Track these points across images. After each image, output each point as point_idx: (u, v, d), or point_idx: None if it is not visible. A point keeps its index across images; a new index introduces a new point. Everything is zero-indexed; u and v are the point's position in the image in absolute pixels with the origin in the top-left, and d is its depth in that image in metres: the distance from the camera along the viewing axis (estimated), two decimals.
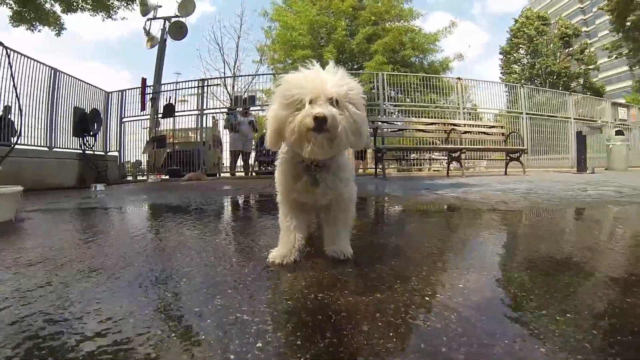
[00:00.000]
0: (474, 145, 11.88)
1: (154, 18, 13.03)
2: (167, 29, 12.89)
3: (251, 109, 13.87)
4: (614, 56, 34.89)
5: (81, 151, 9.93)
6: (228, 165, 13.79)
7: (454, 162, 10.85)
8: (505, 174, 10.94)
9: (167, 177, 12.21)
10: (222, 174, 13.49)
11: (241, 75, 25.13)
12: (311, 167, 1.64)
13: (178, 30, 12.86)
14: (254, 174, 13.11)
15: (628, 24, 29.47)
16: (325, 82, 1.48)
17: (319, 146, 1.46)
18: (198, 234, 2.63)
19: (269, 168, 13.28)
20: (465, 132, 11.21)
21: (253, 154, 13.73)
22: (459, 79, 15.04)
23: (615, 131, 14.82)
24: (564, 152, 16.17)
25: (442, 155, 13.16)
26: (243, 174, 13.31)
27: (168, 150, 12.70)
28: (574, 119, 16.59)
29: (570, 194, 4.90)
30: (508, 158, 11.30)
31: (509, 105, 16.66)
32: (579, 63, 42.18)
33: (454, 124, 11.26)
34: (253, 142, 13.51)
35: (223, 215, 3.91)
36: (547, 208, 3.86)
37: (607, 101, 19.86)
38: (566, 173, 11.61)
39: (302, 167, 1.65)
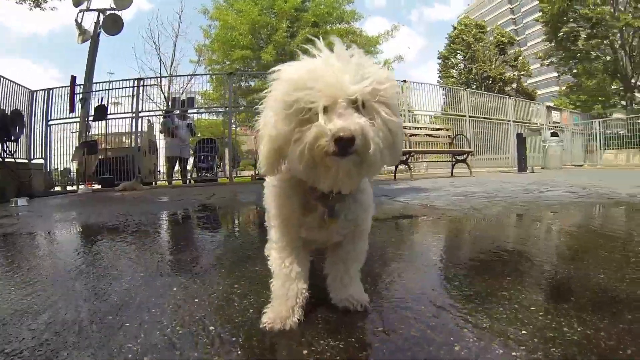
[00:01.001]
0: (419, 148, 11.92)
1: (87, 10, 11.96)
2: (101, 23, 11.86)
3: (189, 111, 13.05)
4: (547, 64, 36.75)
5: (0, 159, 8.73)
6: (165, 172, 12.94)
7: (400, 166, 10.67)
8: (452, 175, 11.00)
9: (100, 186, 11.07)
10: (158, 183, 12.59)
11: (178, 76, 23.79)
12: (328, 195, 1.18)
13: (113, 25, 11.91)
14: (192, 181, 12.32)
15: (561, 34, 31.42)
16: (344, 76, 1.01)
17: (345, 176, 1.04)
18: (144, 276, 1.92)
19: (208, 175, 12.61)
20: (412, 135, 11.08)
21: (191, 160, 12.92)
22: (404, 81, 14.99)
23: (551, 133, 15.68)
24: (504, 152, 16.79)
25: None
26: (181, 182, 12.44)
27: (100, 157, 11.46)
28: (513, 121, 17.28)
29: (530, 196, 5.10)
30: (454, 160, 11.34)
31: (445, 108, 17.02)
32: (513, 69, 44.72)
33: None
34: (191, 148, 12.74)
35: (171, 238, 3.28)
36: (523, 213, 3.85)
37: (542, 105, 21.06)
38: (508, 173, 12.23)
39: (316, 196, 1.21)
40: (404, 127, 10.87)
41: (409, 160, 10.22)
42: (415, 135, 11.41)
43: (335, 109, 0.99)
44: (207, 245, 2.78)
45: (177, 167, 12.57)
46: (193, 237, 3.20)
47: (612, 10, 29.10)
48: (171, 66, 26.76)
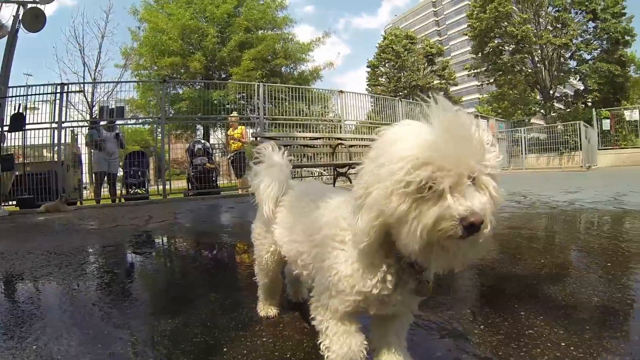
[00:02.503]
0: (358, 158, 11.91)
1: (6, 1, 10.72)
2: (20, 17, 10.68)
3: (117, 122, 12.07)
4: (472, 74, 39.72)
5: None
6: (90, 188, 11.94)
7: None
8: None
9: (18, 207, 9.73)
10: (84, 201, 11.25)
11: (105, 82, 21.90)
12: (415, 266, 1.09)
13: (34, 20, 10.70)
14: (122, 199, 11.33)
15: (487, 48, 34.12)
16: (465, 150, 0.91)
17: (462, 256, 0.98)
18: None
19: (139, 191, 11.72)
20: (352, 146, 11.05)
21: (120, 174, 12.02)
22: (340, 91, 14.99)
23: None
24: None
25: (324, 170, 13.06)
26: (110, 200, 11.27)
27: (17, 173, 10.19)
28: None
29: None
30: None
31: (373, 117, 17.28)
32: (440, 78, 47.21)
33: (341, 138, 11.03)
34: (119, 161, 11.75)
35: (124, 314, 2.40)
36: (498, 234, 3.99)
37: (472, 114, 22.18)
38: None
39: (404, 266, 1.10)
40: (343, 139, 10.87)
41: (348, 172, 10.16)
42: (354, 146, 11.40)
43: (458, 188, 0.90)
44: (179, 313, 2.05)
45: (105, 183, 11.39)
46: (147, 297, 2.50)
47: (534, 29, 31.89)
48: (95, 70, 24.31)
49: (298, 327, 1.69)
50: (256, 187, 1.68)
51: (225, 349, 1.52)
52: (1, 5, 10.74)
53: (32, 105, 10.97)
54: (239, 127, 11.97)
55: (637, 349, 1.40)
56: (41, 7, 10.85)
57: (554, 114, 32.77)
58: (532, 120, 34.33)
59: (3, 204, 9.75)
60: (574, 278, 2.26)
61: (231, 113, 12.52)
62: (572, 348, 1.40)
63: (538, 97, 34.60)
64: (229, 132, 12.02)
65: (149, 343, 1.62)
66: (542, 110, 34.15)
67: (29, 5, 10.72)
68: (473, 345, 1.49)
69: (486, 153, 0.94)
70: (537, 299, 1.94)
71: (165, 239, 4.76)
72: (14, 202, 9.97)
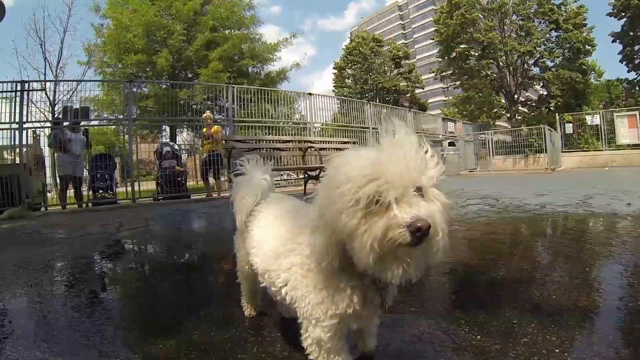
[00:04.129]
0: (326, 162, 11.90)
1: None
2: None
3: (82, 123, 11.63)
4: (439, 78, 40.92)
5: None
6: (54, 192, 11.46)
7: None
8: None
9: None
10: (48, 206, 10.70)
11: (69, 80, 19.68)
12: (378, 283, 1.18)
13: None
14: (89, 204, 10.82)
15: (454, 53, 35.62)
16: (409, 165, 1.01)
17: (416, 264, 1.05)
18: None
19: (107, 195, 11.32)
20: (322, 149, 11.00)
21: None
22: (310, 94, 14.99)
23: (448, 142, 16.89)
24: None
25: (297, 174, 13.02)
26: (76, 205, 10.78)
27: None
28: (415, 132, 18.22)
29: (455, 213, 5.41)
30: None
31: (339, 119, 17.41)
32: (407, 81, 47.51)
33: (311, 142, 10.98)
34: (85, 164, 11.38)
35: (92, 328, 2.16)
36: (465, 235, 4.10)
37: (440, 117, 22.65)
38: None
39: (368, 284, 1.18)
40: (312, 142, 10.83)
41: (319, 177, 10.11)
42: (325, 149, 11.36)
43: (404, 199, 0.98)
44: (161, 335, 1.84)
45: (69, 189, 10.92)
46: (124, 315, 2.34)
47: (500, 36, 33.40)
48: (57, 66, 23.00)
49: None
50: (233, 198, 1.78)
51: None
52: None
53: None
54: (214, 126, 11.77)
55: (626, 353, 1.47)
56: None
57: (519, 117, 34.05)
58: (497, 123, 35.35)
59: None
60: (558, 283, 2.31)
61: (203, 114, 12.25)
62: (566, 354, 1.46)
63: (503, 101, 35.64)
64: (204, 131, 11.75)
65: None
66: (507, 114, 35.23)
67: None
68: (472, 357, 1.51)
69: (430, 166, 1.05)
70: (525, 305, 1.99)
71: (141, 248, 4.60)
72: None
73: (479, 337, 1.65)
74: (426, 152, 1.06)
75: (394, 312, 1.85)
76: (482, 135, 23.69)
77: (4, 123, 10.23)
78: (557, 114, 25.78)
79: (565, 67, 32.28)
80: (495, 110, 35.99)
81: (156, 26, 21.43)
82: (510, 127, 29.52)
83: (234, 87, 13.05)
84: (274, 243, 1.40)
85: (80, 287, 2.85)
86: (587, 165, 21.03)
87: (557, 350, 1.49)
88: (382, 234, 0.97)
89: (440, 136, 19.79)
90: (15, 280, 3.13)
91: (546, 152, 20.17)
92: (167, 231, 5.82)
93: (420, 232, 0.95)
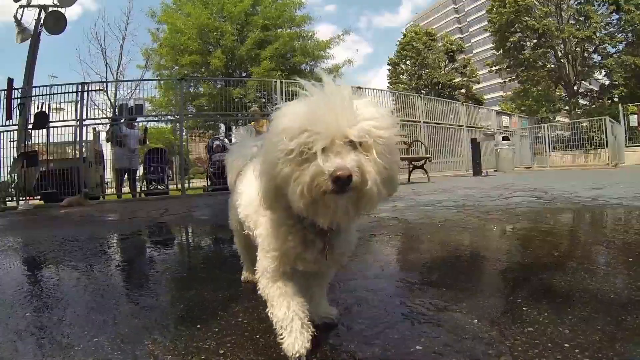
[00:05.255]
0: None
1: (28, 5, 11.01)
2: (42, 20, 10.99)
3: (138, 119, 12.33)
4: (494, 71, 38.48)
5: None
6: (112, 184, 12.14)
7: None
8: (409, 181, 11.00)
9: (42, 202, 10.13)
10: (106, 196, 11.67)
11: (125, 81, 22.23)
12: (326, 231, 1.22)
13: (56, 23, 11.05)
14: (142, 194, 11.54)
15: (508, 44, 33.17)
16: (343, 116, 1.05)
17: (343, 213, 1.08)
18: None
19: (159, 187, 11.92)
20: None
21: (140, 171, 12.22)
22: (358, 87, 14.98)
23: (502, 137, 16.20)
24: (458, 156, 17.25)
25: None
26: (130, 195, 11.56)
27: (42, 169, 10.46)
28: (466, 126, 17.72)
29: (499, 204, 5.09)
30: (411, 166, 11.37)
31: (395, 114, 17.20)
32: (462, 76, 46.42)
33: None
34: (140, 158, 12.05)
35: (125, 279, 2.55)
36: (500, 225, 3.73)
37: (492, 110, 21.77)
38: (464, 177, 12.49)
39: (315, 231, 1.23)
40: None
41: None
42: None
43: (333, 148, 1.02)
44: (170, 290, 2.23)
45: (125, 179, 11.75)
46: (150, 275, 2.57)
47: (556, 22, 31.02)
48: (118, 70, 24.83)
49: None
50: (226, 160, 1.99)
51: None
52: (23, 9, 11.01)
53: (57, 106, 11.21)
54: (262, 120, 11.99)
55: None
56: (62, 10, 11.16)
57: (579, 111, 31.77)
58: (558, 118, 33.58)
59: (28, 198, 10.20)
60: (590, 273, 2.01)
61: (251, 108, 12.55)
62: (577, 350, 1.23)
63: (562, 93, 33.82)
64: (252, 125, 12.02)
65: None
66: (566, 107, 33.38)
67: (50, 9, 11.02)
68: (459, 341, 1.34)
69: (376, 127, 1.05)
70: (543, 293, 1.75)
71: (180, 228, 4.94)
72: (39, 197, 10.36)
73: (475, 321, 1.48)
74: (367, 107, 1.09)
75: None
76: (539, 130, 22.58)
77: (68, 121, 11.10)
78: (620, 104, 24.06)
79: (629, 53, 29.54)
80: (555, 103, 34.17)
81: (209, 28, 21.99)
82: (569, 120, 27.76)
83: (282, 82, 13.28)
84: (251, 191, 1.47)
85: (112, 256, 3.27)
86: None
87: (566, 345, 1.26)
88: (310, 181, 1.02)
89: (492, 129, 19.10)
90: (58, 249, 3.54)
91: (607, 147, 19.01)
92: (208, 216, 6.04)
93: (340, 181, 0.99)
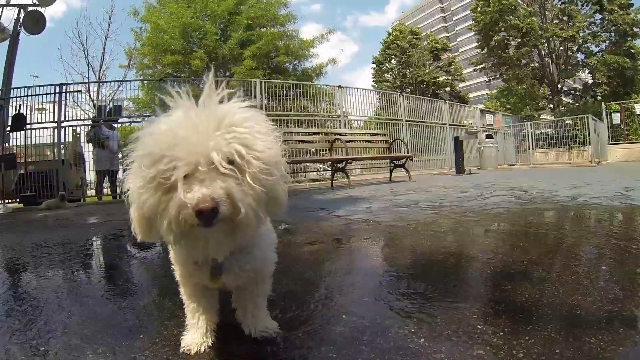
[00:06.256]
0: (356, 153, 11.92)
1: (6, 5, 11.05)
2: (21, 20, 11.00)
3: (120, 120, 12.32)
4: (479, 69, 38.86)
5: None
6: (93, 186, 12.05)
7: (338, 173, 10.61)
8: (390, 180, 11.03)
9: (21, 204, 10.06)
10: (87, 198, 11.62)
11: (107, 81, 22.20)
12: None
13: (35, 23, 11.13)
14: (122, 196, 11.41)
15: (492, 42, 33.56)
16: (209, 137, 0.94)
17: (216, 246, 1.02)
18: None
19: None
20: (350, 141, 11.00)
21: (121, 172, 12.04)
22: (339, 86, 14.99)
23: (485, 135, 16.33)
24: (440, 154, 17.53)
25: (323, 164, 13.12)
26: (111, 197, 11.47)
27: (20, 172, 10.45)
28: (449, 124, 17.83)
29: (475, 204, 5.01)
30: (392, 165, 11.41)
31: (380, 112, 17.31)
32: (446, 74, 46.57)
33: (338, 134, 11.00)
34: (121, 159, 11.91)
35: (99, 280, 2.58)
36: (472, 228, 3.65)
37: (476, 108, 21.95)
38: (447, 175, 12.60)
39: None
40: (340, 134, 10.82)
41: (346, 168, 10.13)
42: (353, 141, 11.36)
43: (196, 174, 0.92)
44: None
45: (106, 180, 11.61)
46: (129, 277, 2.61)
47: (540, 21, 31.60)
48: (100, 70, 25.31)
49: None
50: None
51: None
52: (2, 9, 11.02)
53: (40, 106, 11.19)
54: None
55: None
56: (41, 9, 11.15)
57: (563, 109, 32.18)
58: (542, 116, 33.90)
59: (7, 202, 10.15)
60: (558, 284, 1.84)
61: None
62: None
63: (546, 92, 34.16)
64: None
65: None
66: (550, 105, 33.75)
67: (30, 8, 11.00)
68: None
69: (248, 142, 0.97)
70: (504, 307, 1.61)
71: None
72: (17, 200, 10.27)
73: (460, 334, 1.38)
74: (240, 123, 0.99)
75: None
76: (523, 128, 22.74)
77: (46, 123, 11.05)
78: (603, 103, 24.34)
79: (612, 52, 30.32)
80: (539, 101, 34.51)
81: (192, 27, 21.95)
82: (553, 118, 27.97)
83: (262, 82, 13.26)
84: None
85: (81, 260, 3.26)
86: (636, 158, 19.67)
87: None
88: (176, 214, 0.92)
89: (475, 127, 19.23)
90: (27, 254, 3.58)
91: (590, 144, 19.21)
92: None
93: (204, 215, 0.89)
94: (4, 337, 1.56)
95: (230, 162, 0.94)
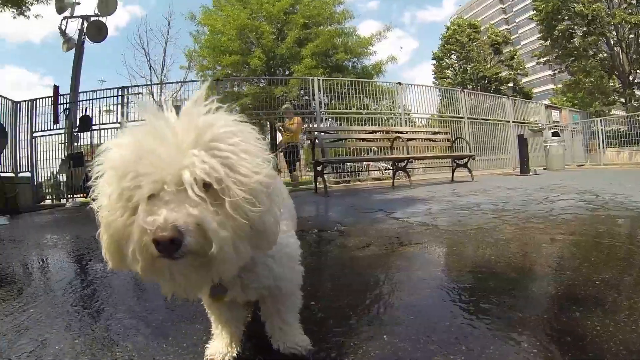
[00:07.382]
0: (418, 152, 11.61)
1: (71, 17, 11.72)
2: (85, 30, 11.60)
3: None
4: (542, 62, 36.87)
5: None
6: None
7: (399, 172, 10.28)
8: (452, 180, 10.61)
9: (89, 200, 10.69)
10: None
11: (168, 83, 22.71)
12: None
13: (97, 32, 11.73)
14: None
15: (556, 32, 31.51)
16: (180, 150, 0.80)
17: (185, 280, 0.83)
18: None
19: None
20: (410, 140, 10.65)
21: None
22: (399, 83, 14.64)
23: (552, 132, 15.52)
24: (504, 153, 16.88)
25: (385, 163, 12.90)
26: None
27: (88, 169, 11.03)
28: (513, 121, 17.12)
29: (541, 209, 4.53)
30: (455, 164, 10.95)
31: (442, 110, 16.84)
32: (508, 68, 45.07)
33: (398, 132, 10.67)
34: None
35: None
36: (537, 237, 3.17)
37: (541, 104, 20.90)
38: (511, 175, 12.38)
39: None
40: (400, 132, 10.50)
41: (407, 167, 9.80)
42: (413, 139, 11.01)
43: (161, 195, 0.78)
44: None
45: None
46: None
47: (606, 6, 29.26)
48: (162, 73, 26.35)
49: None
50: None
51: None
52: (67, 20, 11.70)
53: (107, 108, 11.88)
54: (294, 117, 11.87)
55: None
56: (103, 19, 11.80)
57: (636, 103, 29.95)
58: (613, 111, 31.84)
59: (75, 197, 11.03)
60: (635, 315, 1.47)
61: (283, 106, 12.58)
62: None
63: (617, 84, 31.95)
64: (285, 124, 11.94)
65: None
66: (621, 99, 31.56)
67: (92, 19, 11.67)
68: None
69: (228, 161, 0.82)
70: (566, 341, 1.31)
71: None
72: (85, 195, 10.91)
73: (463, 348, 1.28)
74: (226, 136, 0.85)
75: None
76: (591, 125, 21.32)
77: (110, 124, 11.84)
78: None
79: None
80: (609, 95, 32.37)
81: (249, 28, 22.23)
82: (625, 113, 26.03)
83: (319, 80, 13.17)
84: None
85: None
86: None
87: None
88: (138, 241, 0.78)
89: (540, 124, 18.31)
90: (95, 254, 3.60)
91: None
92: None
93: (161, 246, 0.74)
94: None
95: (207, 185, 0.79)
